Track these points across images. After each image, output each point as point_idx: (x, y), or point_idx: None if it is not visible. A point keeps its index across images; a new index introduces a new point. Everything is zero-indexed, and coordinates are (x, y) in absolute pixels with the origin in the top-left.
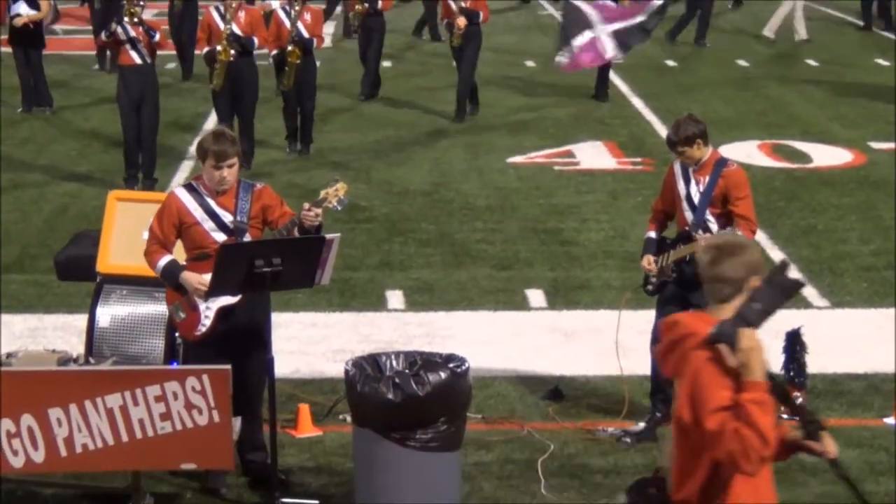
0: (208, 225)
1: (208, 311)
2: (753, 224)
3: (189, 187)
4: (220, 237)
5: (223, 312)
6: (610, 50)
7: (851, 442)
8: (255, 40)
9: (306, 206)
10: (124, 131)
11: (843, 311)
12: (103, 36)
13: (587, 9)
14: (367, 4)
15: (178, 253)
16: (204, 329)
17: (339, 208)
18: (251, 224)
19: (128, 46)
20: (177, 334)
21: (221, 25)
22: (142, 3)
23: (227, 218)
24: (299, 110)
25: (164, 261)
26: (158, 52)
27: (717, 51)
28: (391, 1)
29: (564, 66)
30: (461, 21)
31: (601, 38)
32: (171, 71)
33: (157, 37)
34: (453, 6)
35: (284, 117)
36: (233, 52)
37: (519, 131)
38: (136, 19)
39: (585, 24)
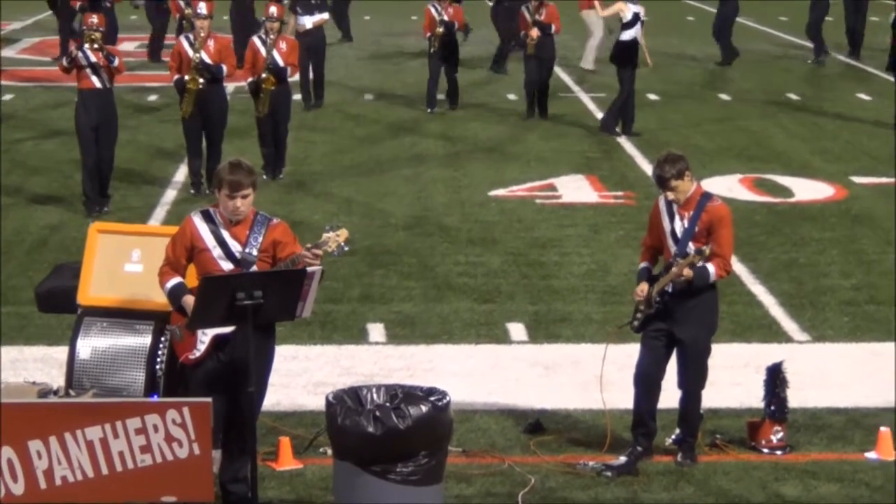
0: (217, 252)
1: (204, 336)
2: (728, 264)
3: (205, 213)
4: (228, 266)
5: (217, 341)
6: None
7: (832, 476)
8: (224, 68)
9: (308, 246)
10: (84, 154)
11: (824, 346)
12: (64, 62)
13: None
14: None
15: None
16: (198, 354)
17: (338, 255)
18: (260, 257)
19: (88, 71)
20: (158, 366)
21: (191, 53)
22: (101, 29)
23: (236, 248)
24: (273, 137)
25: (172, 282)
26: (146, 84)
27: (698, 84)
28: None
29: None
30: (534, 32)
31: None
32: (155, 100)
33: (117, 62)
34: (528, 18)
35: (260, 144)
36: (201, 80)
37: (501, 164)
38: (96, 45)
39: None
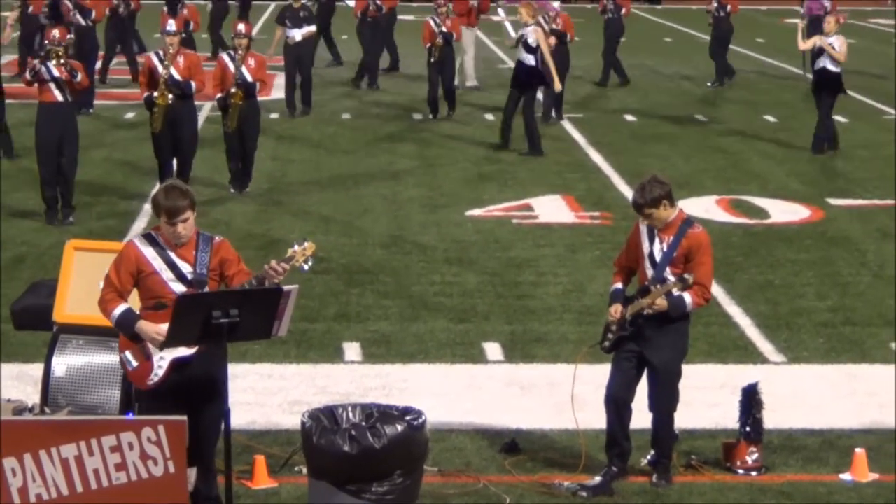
0: (167, 275)
1: (162, 360)
2: (707, 292)
3: (148, 237)
4: (179, 288)
5: (177, 364)
6: None
7: (807, 498)
8: (194, 84)
9: (273, 262)
10: (42, 167)
11: (800, 367)
12: (27, 75)
13: None
14: None
15: (133, 302)
16: (157, 379)
17: (306, 268)
18: (210, 276)
19: (51, 85)
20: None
21: (160, 70)
22: (63, 44)
23: (187, 269)
24: (242, 152)
25: (119, 309)
26: (122, 102)
27: (675, 106)
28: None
29: None
30: (552, 40)
31: None
32: (132, 117)
33: (80, 77)
34: (545, 27)
35: (227, 159)
36: (171, 96)
37: (478, 184)
38: (61, 61)
39: None
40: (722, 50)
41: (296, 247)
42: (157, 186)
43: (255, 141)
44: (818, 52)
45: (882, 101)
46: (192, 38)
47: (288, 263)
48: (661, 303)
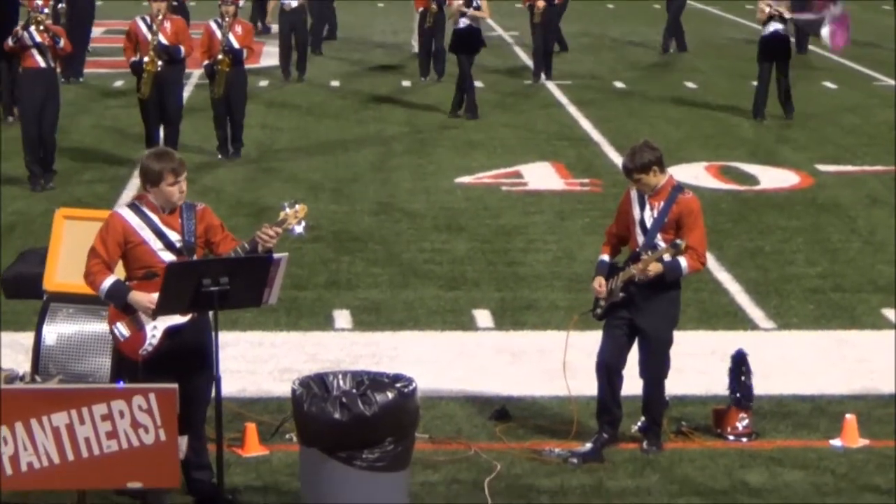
0: (156, 245)
1: (155, 330)
2: (702, 256)
3: (133, 207)
4: (168, 257)
5: (170, 332)
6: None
7: (797, 463)
8: (182, 49)
9: (266, 226)
10: (26, 132)
11: (790, 333)
12: (10, 41)
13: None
14: None
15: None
16: (150, 349)
17: (298, 231)
18: (197, 244)
19: (34, 51)
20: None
21: (148, 36)
22: (45, 10)
23: (175, 237)
24: (229, 119)
25: (108, 281)
26: (111, 70)
27: (664, 72)
28: None
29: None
30: (540, 3)
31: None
32: (120, 86)
33: (62, 42)
34: None
35: (215, 126)
36: (159, 62)
37: (467, 151)
38: (41, 27)
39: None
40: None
41: (287, 209)
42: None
43: (243, 108)
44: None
45: (873, 68)
46: (184, 7)
47: (280, 227)
48: (657, 266)
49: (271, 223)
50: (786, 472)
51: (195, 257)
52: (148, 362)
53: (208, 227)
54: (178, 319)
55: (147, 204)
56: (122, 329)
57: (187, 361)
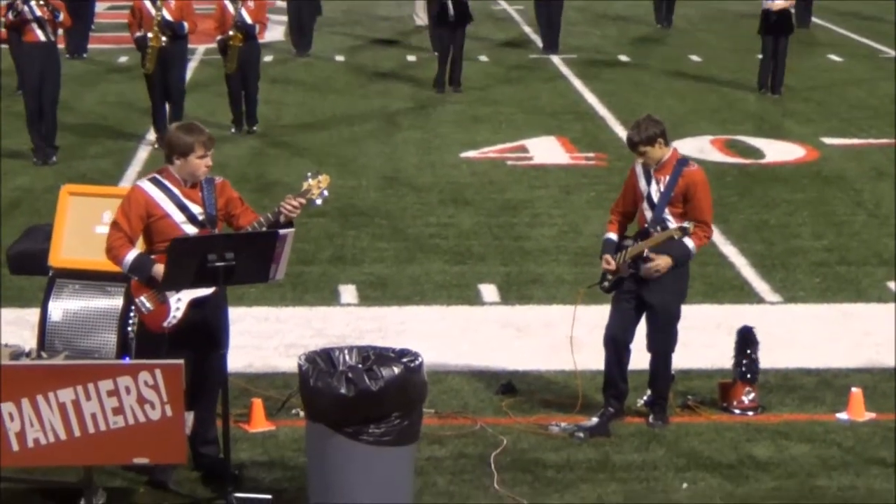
0: (178, 218)
1: (179, 302)
2: (709, 229)
3: (154, 180)
4: (191, 230)
5: (195, 304)
6: None
7: (804, 437)
8: (186, 25)
9: (289, 197)
10: (28, 105)
11: (796, 307)
12: (10, 15)
13: None
14: None
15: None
16: (174, 321)
17: (319, 203)
18: (219, 216)
19: (34, 25)
20: (129, 328)
21: (152, 11)
22: None
23: (197, 210)
24: (244, 94)
25: (132, 255)
26: (115, 46)
27: (669, 46)
28: None
29: None
30: None
31: None
32: (125, 61)
33: (62, 16)
34: None
35: (230, 102)
36: (164, 37)
37: (472, 126)
38: (41, 1)
39: None
40: None
41: (310, 179)
42: (152, 129)
43: (257, 82)
44: None
45: (878, 40)
46: None
47: (304, 198)
48: (667, 261)
49: (295, 194)
50: (792, 446)
51: (217, 230)
52: (173, 334)
53: (228, 200)
54: (202, 291)
55: (168, 177)
56: (146, 302)
57: (210, 333)
